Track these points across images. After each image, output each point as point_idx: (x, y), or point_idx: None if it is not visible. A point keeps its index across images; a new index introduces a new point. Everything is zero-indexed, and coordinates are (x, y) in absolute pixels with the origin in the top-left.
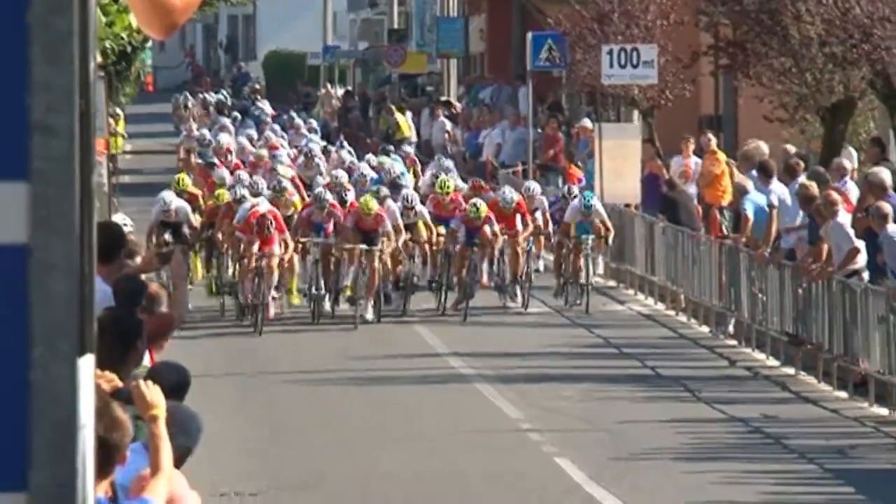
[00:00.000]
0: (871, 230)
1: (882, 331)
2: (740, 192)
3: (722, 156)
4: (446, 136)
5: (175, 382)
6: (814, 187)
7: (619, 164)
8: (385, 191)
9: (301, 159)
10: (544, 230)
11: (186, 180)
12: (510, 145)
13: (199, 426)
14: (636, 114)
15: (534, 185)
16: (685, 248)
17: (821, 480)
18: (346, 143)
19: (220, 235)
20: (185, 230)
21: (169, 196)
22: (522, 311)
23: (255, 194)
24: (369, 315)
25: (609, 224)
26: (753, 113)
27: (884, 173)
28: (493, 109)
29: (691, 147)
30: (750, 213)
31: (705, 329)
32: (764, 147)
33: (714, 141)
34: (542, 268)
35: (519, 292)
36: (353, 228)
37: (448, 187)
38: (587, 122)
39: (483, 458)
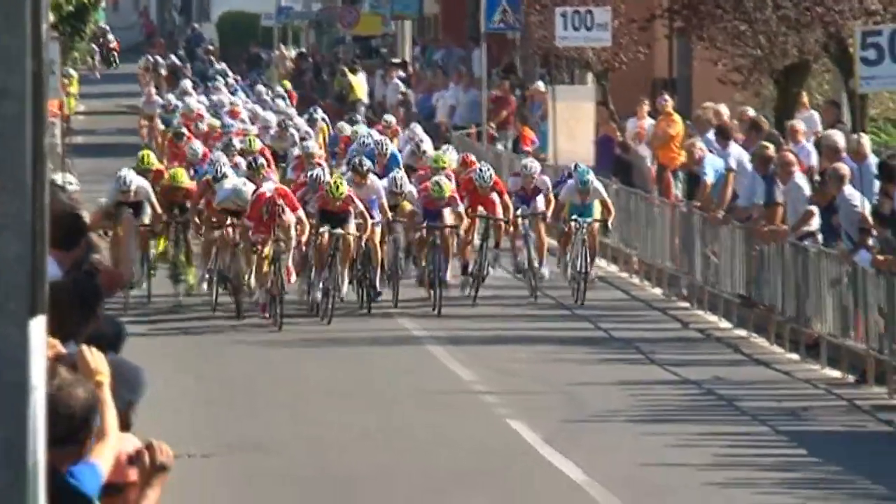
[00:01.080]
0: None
1: (835, 293)
2: (697, 155)
3: (678, 118)
4: (400, 97)
5: (112, 335)
6: (770, 149)
7: (572, 126)
8: (368, 163)
9: (273, 129)
10: (549, 215)
11: (151, 157)
12: (464, 107)
13: (142, 380)
14: (590, 76)
15: (533, 164)
16: (638, 210)
17: (773, 442)
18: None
19: (196, 219)
20: (146, 214)
21: (128, 174)
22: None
23: (223, 176)
24: (344, 290)
25: (611, 205)
26: (708, 76)
27: (837, 136)
28: (446, 71)
29: (646, 109)
30: (710, 177)
31: (658, 291)
32: (724, 109)
33: (670, 103)
34: (547, 274)
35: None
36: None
37: (443, 162)
38: (540, 85)
39: (436, 419)
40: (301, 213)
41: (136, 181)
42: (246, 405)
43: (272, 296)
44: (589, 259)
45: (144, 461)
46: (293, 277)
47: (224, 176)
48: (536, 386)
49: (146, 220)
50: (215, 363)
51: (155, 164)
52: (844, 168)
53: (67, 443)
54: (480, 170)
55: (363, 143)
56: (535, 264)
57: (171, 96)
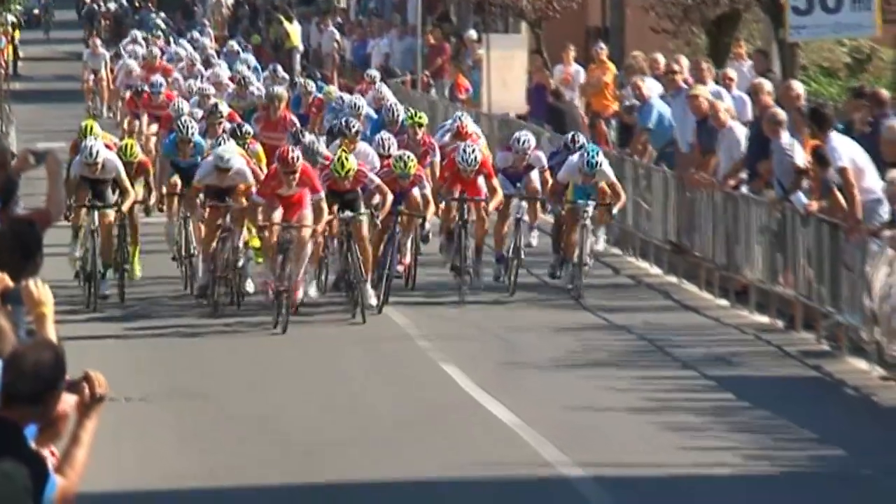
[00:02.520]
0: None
1: (764, 241)
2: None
3: (611, 66)
4: (335, 45)
5: None
6: (703, 97)
7: (505, 74)
8: (356, 124)
9: (231, 87)
10: (542, 195)
11: (96, 128)
12: (398, 55)
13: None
14: (524, 25)
15: (526, 137)
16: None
17: (702, 387)
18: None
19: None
20: (115, 193)
21: (95, 144)
22: (507, 296)
23: (185, 140)
24: (372, 300)
25: (619, 188)
26: (640, 24)
27: (766, 85)
28: (380, 19)
29: (572, 55)
30: (651, 122)
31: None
32: (660, 58)
33: (605, 51)
34: (535, 242)
35: (503, 272)
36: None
37: (420, 119)
38: (473, 34)
39: (370, 363)
40: (321, 195)
41: (105, 154)
42: (185, 352)
43: (277, 293)
44: (588, 248)
45: (84, 393)
46: (299, 295)
47: (190, 139)
48: (470, 331)
49: (114, 200)
50: (152, 311)
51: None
52: (782, 114)
53: (33, 402)
54: (464, 150)
55: (335, 106)
56: (521, 247)
57: (121, 48)
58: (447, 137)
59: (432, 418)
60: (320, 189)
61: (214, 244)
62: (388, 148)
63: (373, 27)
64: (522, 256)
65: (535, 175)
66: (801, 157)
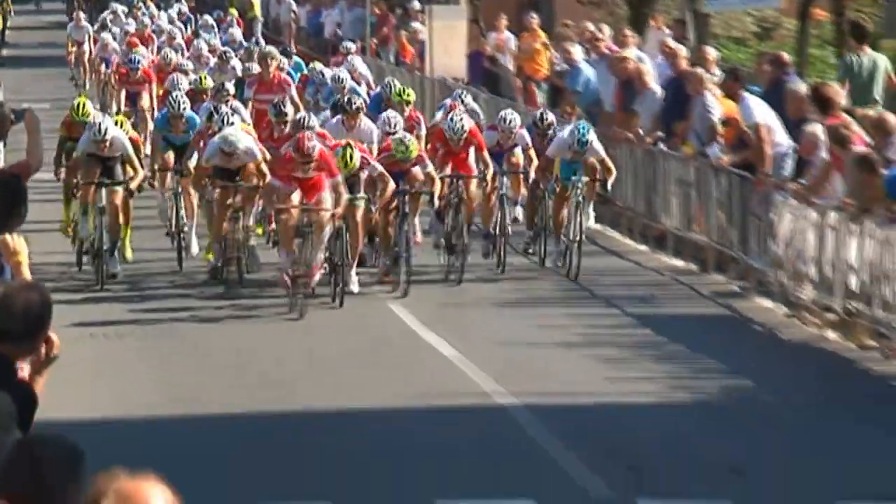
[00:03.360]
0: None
1: (679, 192)
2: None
3: (542, 33)
4: (292, 15)
5: None
6: (631, 60)
7: (447, 42)
8: (359, 101)
9: (213, 61)
10: (525, 168)
11: (88, 106)
12: (348, 24)
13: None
14: None
15: (512, 116)
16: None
17: (626, 323)
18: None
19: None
20: (123, 169)
21: (104, 121)
22: (496, 273)
23: (177, 116)
24: (354, 287)
25: (610, 163)
26: None
27: (682, 50)
28: None
29: (504, 23)
30: (579, 85)
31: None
32: (590, 26)
33: (536, 20)
34: (520, 217)
35: (491, 249)
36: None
37: (408, 95)
38: (416, 4)
39: (315, 302)
40: (339, 179)
41: (113, 131)
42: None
43: (294, 277)
44: (581, 225)
45: (40, 353)
46: (316, 278)
47: (181, 114)
48: (414, 272)
49: (121, 178)
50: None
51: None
52: (706, 74)
53: (23, 340)
54: (451, 118)
55: (316, 80)
56: (507, 223)
57: (107, 15)
58: (439, 115)
59: (378, 351)
60: (338, 173)
61: (225, 224)
62: (395, 126)
63: None
64: (509, 232)
65: (517, 151)
66: (718, 113)
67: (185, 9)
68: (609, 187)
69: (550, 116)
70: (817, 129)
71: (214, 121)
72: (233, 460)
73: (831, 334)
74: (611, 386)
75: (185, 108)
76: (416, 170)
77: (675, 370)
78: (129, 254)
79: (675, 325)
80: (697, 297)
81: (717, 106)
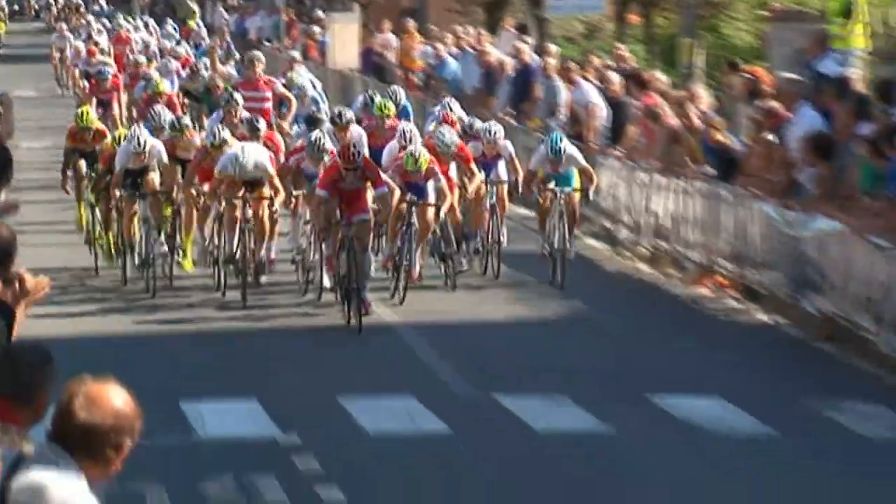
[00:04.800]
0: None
1: (524, 157)
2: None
3: (417, 35)
4: (224, 21)
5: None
6: (493, 54)
7: (345, 41)
8: (349, 114)
9: (186, 71)
10: (521, 185)
11: (91, 114)
12: (267, 29)
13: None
14: (357, 6)
15: (497, 128)
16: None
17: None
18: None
19: (188, 191)
20: (154, 178)
21: (142, 134)
22: (490, 279)
23: (159, 128)
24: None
25: (591, 171)
26: (439, 6)
27: (525, 47)
28: (254, 2)
29: (386, 27)
30: (448, 75)
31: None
32: (458, 28)
33: (413, 24)
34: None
35: (489, 258)
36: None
37: (388, 110)
38: (320, 13)
39: (274, 280)
40: (386, 189)
41: (151, 141)
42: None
43: (348, 290)
44: (567, 234)
45: (15, 288)
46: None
47: (224, 142)
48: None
49: (156, 183)
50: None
51: (95, 122)
52: (574, 66)
53: None
54: (441, 132)
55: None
56: (501, 237)
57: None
58: (433, 126)
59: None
60: (383, 184)
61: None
62: (410, 139)
63: (249, 8)
64: (502, 240)
65: (501, 164)
66: (563, 95)
67: (150, 21)
68: (591, 196)
69: (478, 124)
70: (638, 104)
71: (206, 137)
72: (172, 364)
73: (642, 266)
74: (476, 310)
75: (165, 121)
76: (430, 186)
77: (523, 296)
78: (187, 265)
79: (525, 262)
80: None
81: (563, 89)
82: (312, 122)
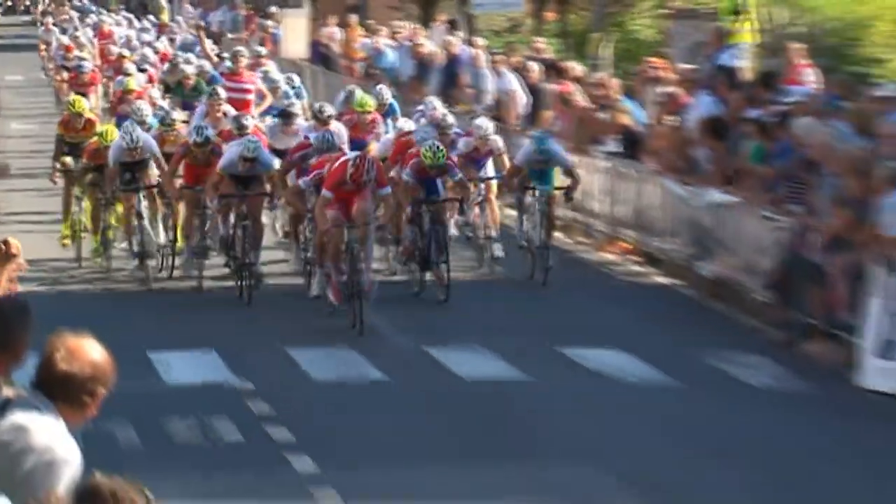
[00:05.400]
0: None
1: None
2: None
3: (359, 29)
4: (191, 18)
5: None
6: (423, 47)
7: (295, 33)
8: (330, 109)
9: (166, 65)
10: (498, 173)
11: (83, 102)
12: (229, 23)
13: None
14: (306, 2)
15: (487, 124)
16: (332, 83)
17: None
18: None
19: (171, 186)
20: (153, 171)
21: (135, 130)
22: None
23: (141, 122)
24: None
25: (576, 172)
26: (379, 3)
27: (455, 40)
28: None
29: (333, 21)
30: (385, 64)
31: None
32: (397, 24)
33: (355, 19)
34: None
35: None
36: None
37: (367, 105)
38: (273, 8)
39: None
40: (389, 189)
41: (142, 136)
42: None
43: (350, 294)
44: (546, 232)
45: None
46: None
47: (208, 140)
48: None
49: (154, 178)
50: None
51: (87, 111)
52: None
53: None
54: (435, 146)
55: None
56: (492, 234)
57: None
58: (423, 120)
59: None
60: (387, 183)
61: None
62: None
63: (211, 3)
64: (493, 235)
65: (491, 162)
66: (489, 84)
67: (130, 16)
68: (573, 196)
69: (451, 118)
70: (553, 91)
71: (189, 134)
72: (136, 320)
73: (557, 234)
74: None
75: (147, 115)
76: (449, 180)
77: (455, 266)
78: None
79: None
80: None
81: (488, 77)
82: (286, 115)
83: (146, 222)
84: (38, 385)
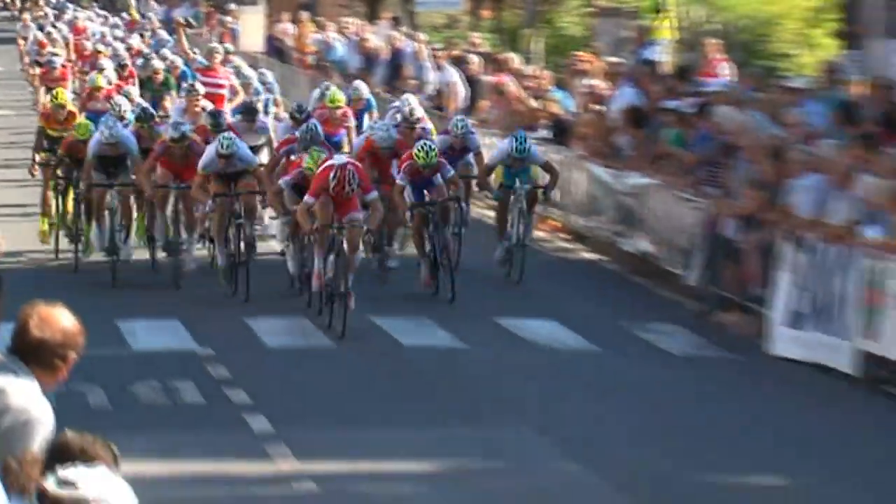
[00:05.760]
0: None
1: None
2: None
3: (310, 24)
4: (154, 12)
5: None
6: (369, 41)
7: (252, 28)
8: (306, 109)
9: (140, 60)
10: (478, 177)
11: (65, 94)
12: (192, 19)
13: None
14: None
15: (464, 122)
16: (287, 76)
17: None
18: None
19: (142, 180)
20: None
21: (115, 125)
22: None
23: (120, 118)
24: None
25: (555, 169)
26: (329, 1)
27: (398, 34)
28: None
29: (286, 17)
30: (335, 57)
31: None
32: (350, 20)
33: (307, 15)
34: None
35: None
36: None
37: (339, 101)
38: (232, 5)
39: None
40: (376, 194)
41: (122, 133)
42: None
43: (329, 294)
44: (524, 229)
45: None
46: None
47: (184, 136)
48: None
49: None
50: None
51: (69, 104)
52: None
53: None
54: (378, 127)
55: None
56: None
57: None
58: (398, 116)
59: None
60: (372, 188)
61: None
62: (415, 117)
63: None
64: (462, 232)
65: (470, 157)
66: (430, 76)
67: (103, 12)
68: (550, 195)
69: (418, 112)
70: (489, 82)
71: (166, 131)
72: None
73: (490, 213)
74: None
75: (126, 111)
76: (438, 180)
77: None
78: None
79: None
80: None
81: (430, 69)
82: (247, 111)
83: (117, 217)
84: (14, 350)
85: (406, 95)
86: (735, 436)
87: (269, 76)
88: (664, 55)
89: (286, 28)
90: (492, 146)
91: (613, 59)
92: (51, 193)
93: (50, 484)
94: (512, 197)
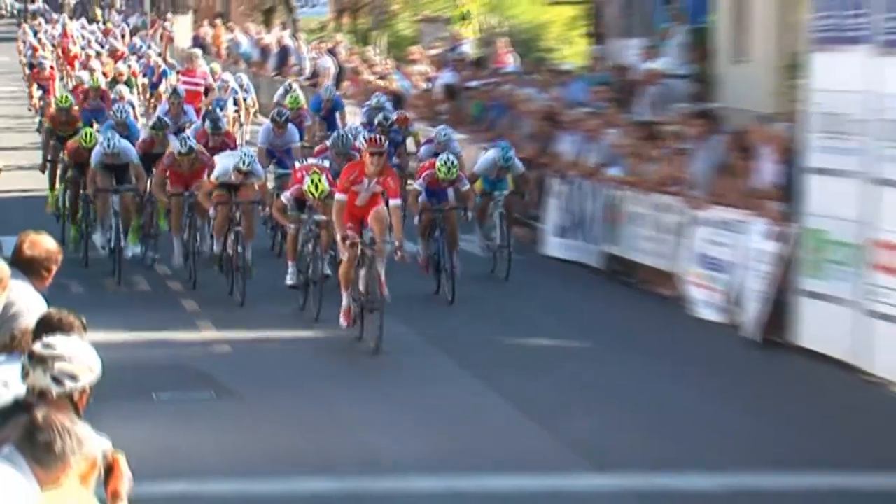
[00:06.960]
0: None
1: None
2: (263, 43)
3: (224, 28)
4: (117, 20)
5: None
6: (264, 40)
7: (184, 31)
8: (286, 112)
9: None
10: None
11: (70, 98)
12: (139, 25)
13: None
14: (190, 11)
15: (447, 131)
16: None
17: None
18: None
19: (158, 194)
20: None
21: (114, 136)
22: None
23: (121, 123)
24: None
25: (528, 175)
26: (237, 11)
27: (286, 35)
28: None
29: (206, 23)
30: (240, 52)
31: None
32: (251, 26)
33: (220, 21)
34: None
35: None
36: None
37: (298, 103)
38: (170, 15)
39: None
40: (400, 201)
41: (121, 144)
42: None
43: (361, 309)
44: (508, 231)
45: None
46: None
47: (192, 149)
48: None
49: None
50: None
51: (73, 106)
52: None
53: None
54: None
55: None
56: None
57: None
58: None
59: None
60: (398, 195)
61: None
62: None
63: (130, 9)
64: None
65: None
66: (307, 63)
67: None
68: (527, 197)
69: (392, 116)
70: (349, 67)
71: (172, 145)
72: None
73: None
74: None
75: (127, 116)
76: (450, 193)
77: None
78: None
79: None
80: None
81: (307, 59)
82: (213, 123)
83: (120, 221)
84: (12, 264)
85: (377, 94)
86: (518, 306)
87: (245, 79)
88: (469, 49)
89: (206, 31)
90: (356, 115)
91: (434, 53)
92: (57, 175)
93: (37, 347)
94: (491, 203)
